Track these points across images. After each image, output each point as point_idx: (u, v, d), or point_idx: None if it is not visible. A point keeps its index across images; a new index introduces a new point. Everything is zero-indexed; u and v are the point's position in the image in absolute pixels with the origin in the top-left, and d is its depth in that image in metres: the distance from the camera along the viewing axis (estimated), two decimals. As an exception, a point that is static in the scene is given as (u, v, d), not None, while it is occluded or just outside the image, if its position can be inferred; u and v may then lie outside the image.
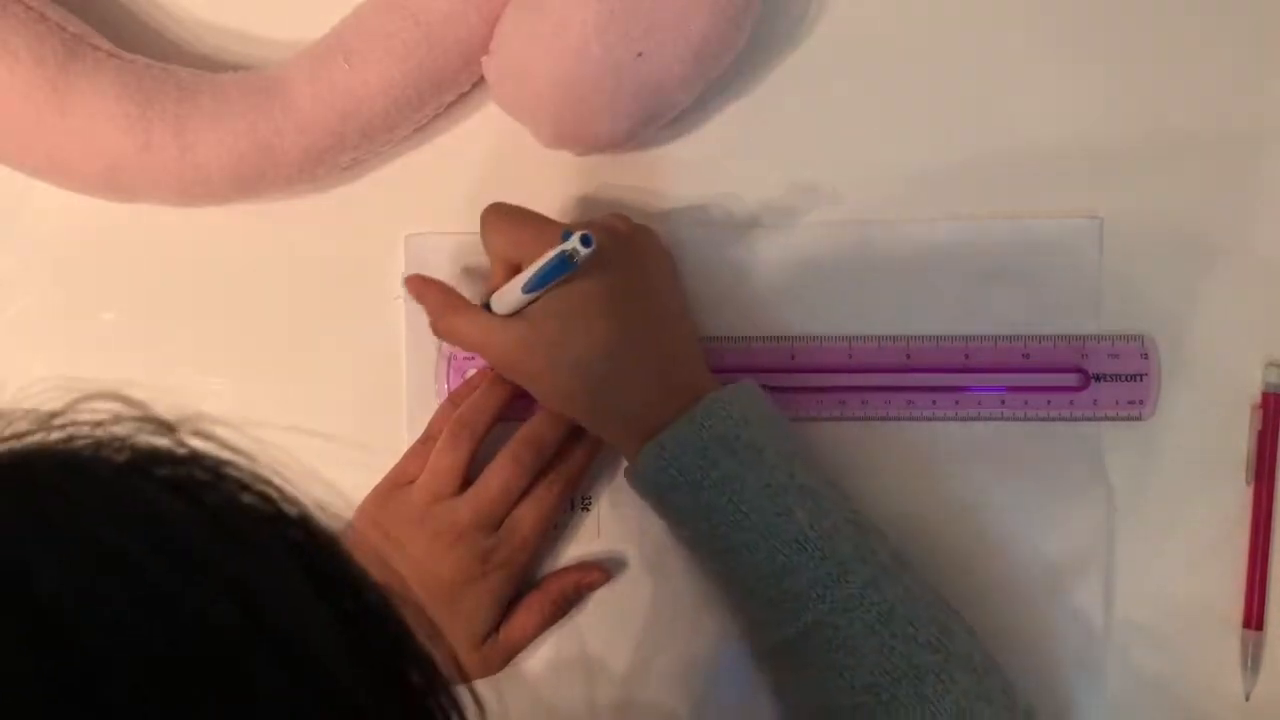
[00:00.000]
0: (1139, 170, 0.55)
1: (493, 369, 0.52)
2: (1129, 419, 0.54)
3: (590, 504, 0.55)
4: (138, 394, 0.27)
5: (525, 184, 0.54)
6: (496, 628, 0.52)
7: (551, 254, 0.45)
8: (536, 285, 0.47)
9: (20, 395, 0.25)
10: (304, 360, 0.55)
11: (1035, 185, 0.54)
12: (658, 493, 0.49)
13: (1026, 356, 0.54)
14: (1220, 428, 0.54)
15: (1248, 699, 0.54)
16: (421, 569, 0.50)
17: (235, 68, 0.52)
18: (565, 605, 0.54)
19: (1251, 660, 0.54)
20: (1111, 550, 0.54)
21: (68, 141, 0.49)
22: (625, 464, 0.51)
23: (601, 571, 0.54)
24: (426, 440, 0.53)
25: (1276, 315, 0.54)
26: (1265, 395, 0.54)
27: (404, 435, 0.54)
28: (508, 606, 0.53)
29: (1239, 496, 0.54)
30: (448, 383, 0.54)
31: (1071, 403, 0.54)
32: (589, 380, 0.48)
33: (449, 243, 0.54)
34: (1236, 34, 0.55)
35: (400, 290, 0.54)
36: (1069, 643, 0.54)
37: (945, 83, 0.55)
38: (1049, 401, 0.54)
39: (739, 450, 0.47)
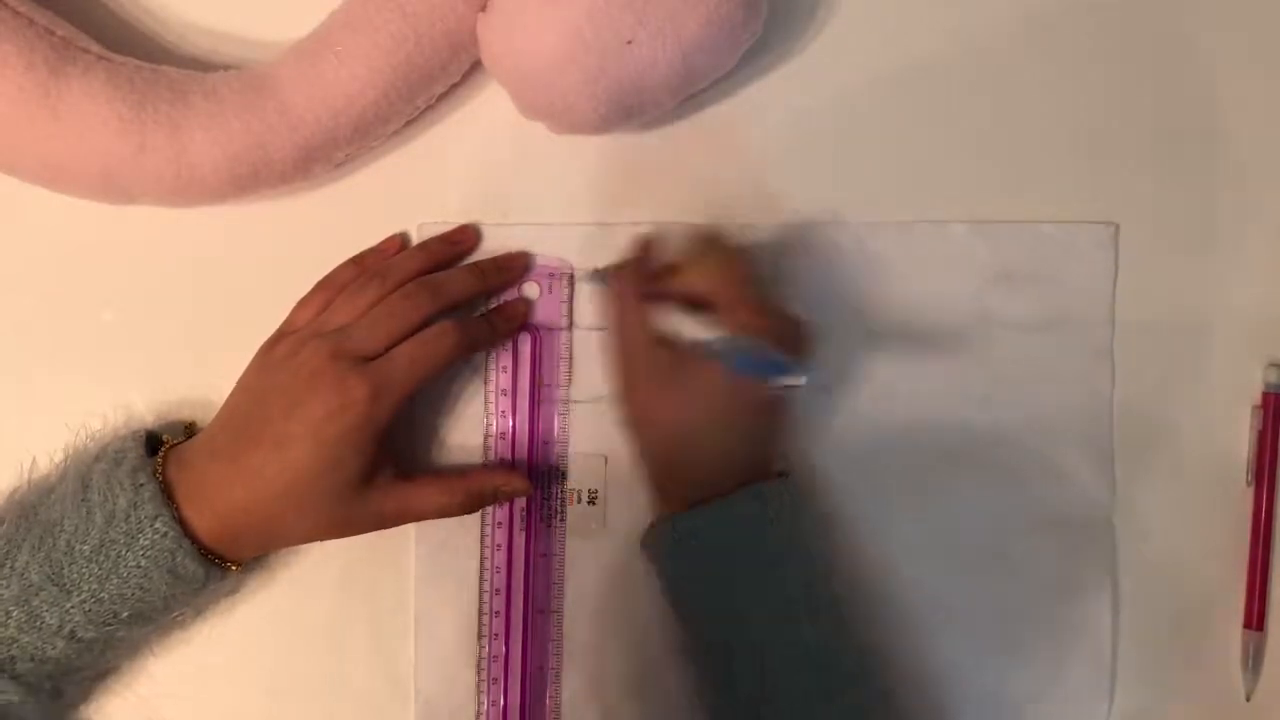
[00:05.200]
0: (1142, 170, 0.54)
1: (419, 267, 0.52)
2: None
3: (596, 497, 0.55)
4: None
5: (530, 172, 0.54)
6: (373, 476, 0.49)
7: (789, 370, 0.48)
8: (742, 367, 0.48)
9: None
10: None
11: (1046, 190, 0.54)
12: (669, 558, 0.49)
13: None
14: (1220, 428, 0.54)
15: (1248, 699, 0.53)
16: (287, 401, 0.47)
17: (223, 68, 0.52)
18: (479, 502, 0.52)
19: (1252, 661, 0.53)
20: (1114, 551, 0.54)
21: (62, 146, 0.49)
22: (650, 522, 0.52)
23: (525, 483, 0.53)
24: (319, 289, 0.52)
25: (1276, 315, 0.54)
26: (1265, 395, 0.53)
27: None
28: (407, 476, 0.50)
29: (1239, 497, 0.54)
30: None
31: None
32: (681, 452, 0.50)
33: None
34: (1242, 34, 0.54)
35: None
36: (1074, 643, 0.54)
37: (958, 83, 0.54)
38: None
39: (759, 549, 0.48)
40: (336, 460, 0.47)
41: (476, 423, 0.55)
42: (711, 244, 0.51)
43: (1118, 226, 0.54)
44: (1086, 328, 0.54)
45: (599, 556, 0.54)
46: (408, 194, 0.55)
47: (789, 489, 0.50)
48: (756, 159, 0.54)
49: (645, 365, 0.50)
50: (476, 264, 0.54)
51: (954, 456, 0.54)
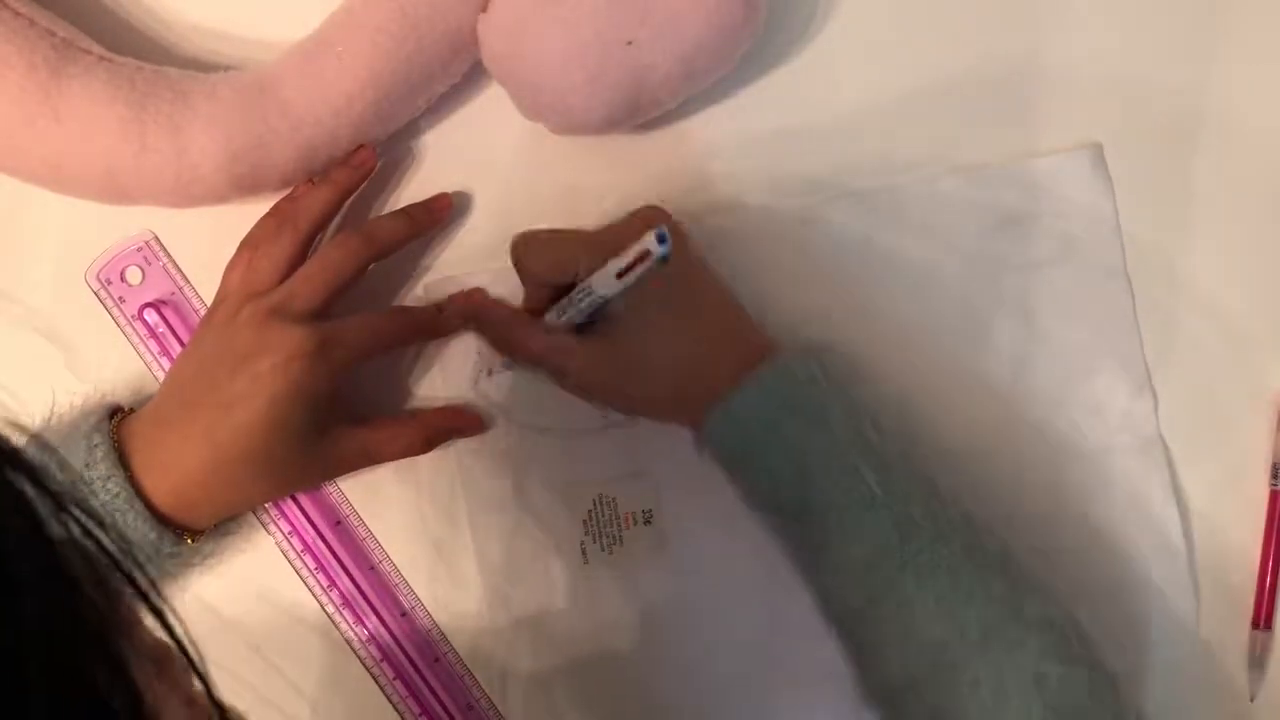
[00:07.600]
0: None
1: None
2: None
3: (652, 517, 0.54)
4: None
5: (527, 171, 0.54)
6: (327, 428, 0.49)
7: (641, 260, 0.45)
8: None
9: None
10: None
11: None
12: (727, 458, 0.49)
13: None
14: (1238, 426, 0.53)
15: (1252, 699, 0.53)
16: (231, 361, 0.47)
17: (223, 68, 0.52)
18: (437, 442, 0.52)
19: (1259, 660, 0.53)
20: (1169, 464, 0.54)
21: (64, 147, 0.49)
22: (693, 436, 0.51)
23: (478, 422, 0.53)
24: (243, 249, 0.51)
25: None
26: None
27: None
28: (362, 421, 0.50)
29: (1254, 494, 0.53)
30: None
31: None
32: (675, 380, 0.49)
33: (470, 283, 0.54)
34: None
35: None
36: (1148, 562, 0.53)
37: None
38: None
39: (806, 411, 0.47)
40: (286, 416, 0.47)
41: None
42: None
43: (1101, 145, 0.54)
44: (1097, 251, 0.54)
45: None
46: (408, 194, 0.55)
47: (811, 355, 0.49)
48: (756, 156, 0.54)
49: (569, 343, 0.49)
50: (404, 208, 0.53)
51: (998, 405, 0.53)
